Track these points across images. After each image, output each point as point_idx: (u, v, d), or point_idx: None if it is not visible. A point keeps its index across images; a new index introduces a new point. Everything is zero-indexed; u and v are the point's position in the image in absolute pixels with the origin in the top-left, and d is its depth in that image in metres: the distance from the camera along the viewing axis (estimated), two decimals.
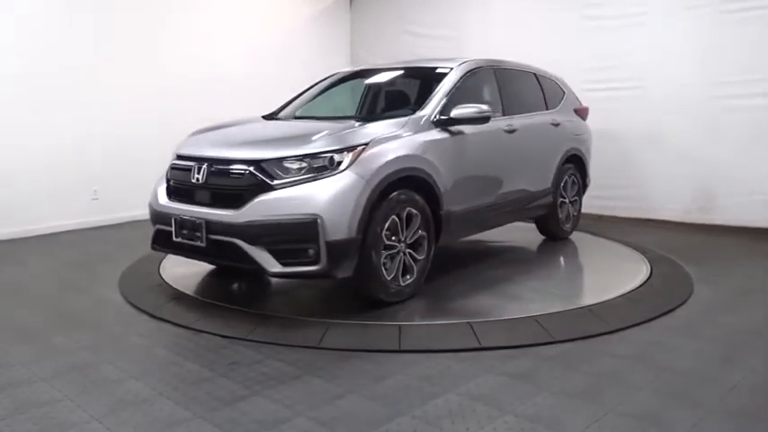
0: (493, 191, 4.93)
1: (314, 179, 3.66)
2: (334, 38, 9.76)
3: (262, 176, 3.70)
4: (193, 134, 4.64)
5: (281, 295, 4.36)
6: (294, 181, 3.67)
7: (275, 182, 3.67)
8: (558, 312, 3.89)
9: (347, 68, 5.91)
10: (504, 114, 5.09)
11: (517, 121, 5.17)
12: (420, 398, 2.79)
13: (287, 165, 3.72)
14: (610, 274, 5.01)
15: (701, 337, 3.55)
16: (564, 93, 6.11)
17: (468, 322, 3.67)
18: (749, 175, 6.48)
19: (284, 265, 3.65)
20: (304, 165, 3.71)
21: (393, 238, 3.96)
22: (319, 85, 5.62)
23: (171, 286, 4.57)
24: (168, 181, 4.30)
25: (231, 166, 3.84)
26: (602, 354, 3.30)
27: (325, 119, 4.62)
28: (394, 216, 3.92)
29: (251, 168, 3.74)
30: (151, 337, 3.64)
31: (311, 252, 3.61)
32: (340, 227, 3.60)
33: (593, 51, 7.29)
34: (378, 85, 5.66)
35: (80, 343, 3.51)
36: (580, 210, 6.28)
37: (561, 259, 5.55)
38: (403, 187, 3.99)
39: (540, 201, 5.55)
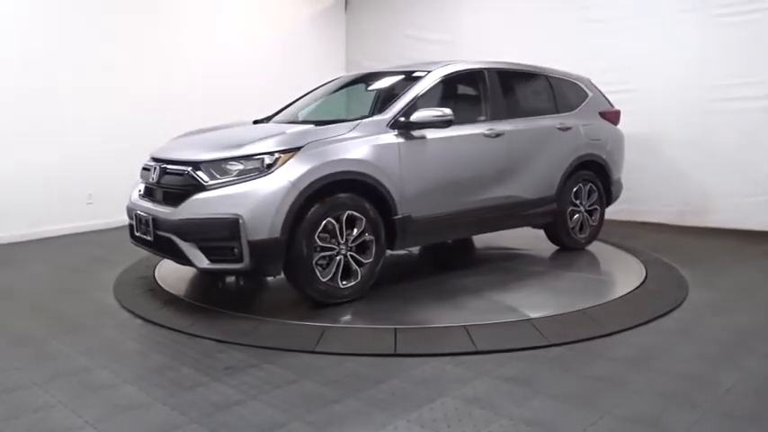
0: (469, 197, 4.76)
1: (243, 181, 3.80)
2: (329, 42, 9.76)
3: (198, 177, 3.89)
4: (173, 138, 4.81)
5: (277, 299, 4.36)
6: (225, 182, 3.83)
7: (209, 182, 3.85)
8: (553, 316, 3.89)
9: (350, 73, 5.92)
10: (491, 118, 4.96)
11: (506, 125, 4.99)
12: (416, 402, 2.78)
13: (222, 167, 3.88)
14: (605, 278, 5.02)
15: (697, 340, 3.56)
16: (588, 95, 5.86)
17: (463, 326, 3.67)
18: (743, 178, 6.52)
19: (212, 261, 3.85)
20: (237, 167, 3.86)
21: (332, 240, 4.01)
22: (319, 90, 5.65)
23: (166, 290, 4.56)
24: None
25: (176, 168, 4.09)
26: (598, 357, 3.30)
27: (312, 122, 4.62)
28: (331, 219, 3.97)
29: (189, 169, 3.95)
30: (146, 342, 3.63)
31: (236, 250, 3.75)
32: (262, 227, 3.73)
33: (587, 54, 7.32)
34: (367, 90, 5.65)
35: (75, 348, 3.49)
36: (601, 219, 5.88)
37: (555, 266, 5.36)
38: (345, 190, 4.03)
39: (539, 208, 5.30)
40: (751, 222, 6.47)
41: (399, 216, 4.30)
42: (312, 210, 3.89)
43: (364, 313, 4.03)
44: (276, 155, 3.86)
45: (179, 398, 2.85)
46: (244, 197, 3.74)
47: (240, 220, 3.70)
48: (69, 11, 6.78)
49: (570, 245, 5.68)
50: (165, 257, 4.30)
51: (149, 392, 2.91)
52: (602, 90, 6.46)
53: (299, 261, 3.88)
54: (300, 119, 5.23)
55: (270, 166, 3.83)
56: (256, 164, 3.84)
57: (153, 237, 4.08)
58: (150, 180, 4.29)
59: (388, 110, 4.41)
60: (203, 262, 3.85)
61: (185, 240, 3.86)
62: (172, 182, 4.11)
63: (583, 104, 5.78)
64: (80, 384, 3.01)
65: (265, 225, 3.73)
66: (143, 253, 4.95)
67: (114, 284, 4.77)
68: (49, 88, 6.65)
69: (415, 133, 4.40)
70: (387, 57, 8.96)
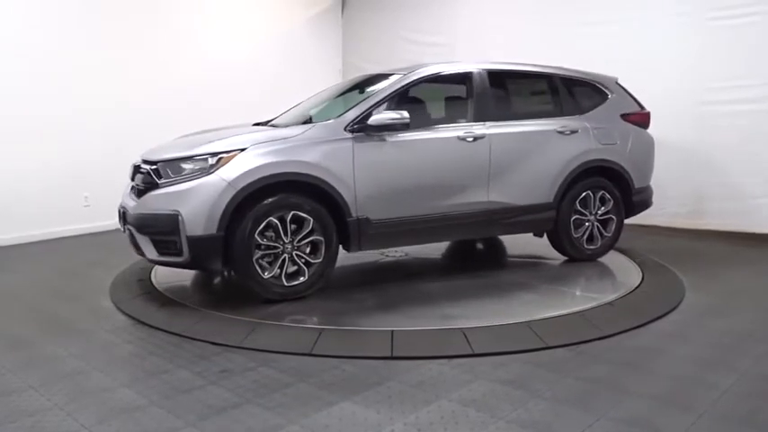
0: (440, 201, 4.65)
1: (188, 180, 4.05)
2: (326, 45, 9.76)
3: (154, 176, 4.19)
4: (174, 140, 4.97)
5: (273, 302, 4.35)
6: (174, 181, 4.10)
7: (161, 181, 4.15)
8: (550, 318, 3.89)
9: (362, 74, 5.88)
10: (473, 121, 4.83)
11: (490, 128, 4.82)
12: (413, 404, 2.78)
13: (177, 166, 4.15)
14: (602, 280, 5.02)
15: (693, 342, 3.56)
16: (608, 96, 5.51)
17: (460, 329, 3.67)
18: (739, 181, 6.53)
19: (159, 254, 4.17)
20: (189, 166, 4.11)
21: (278, 240, 4.15)
22: (327, 91, 5.67)
23: (162, 293, 4.56)
24: None
25: (145, 167, 4.35)
26: (594, 359, 3.30)
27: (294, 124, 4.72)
28: (273, 218, 4.10)
29: (149, 168, 4.26)
30: (142, 345, 3.62)
31: (177, 244, 4.02)
32: (198, 223, 3.96)
33: (586, 56, 7.32)
34: (363, 92, 5.64)
35: (70, 351, 3.49)
36: (617, 229, 5.42)
37: (549, 270, 5.24)
38: (293, 191, 4.17)
39: (532, 215, 5.04)
40: (748, 225, 6.48)
41: (354, 218, 4.33)
42: (254, 208, 4.04)
43: (360, 316, 4.03)
44: (219, 156, 4.07)
45: (175, 401, 2.84)
46: (184, 195, 4.00)
47: (179, 217, 3.95)
48: (68, 14, 6.78)
49: (576, 255, 5.31)
50: (133, 248, 4.51)
51: (145, 395, 2.90)
52: None
53: (238, 257, 4.06)
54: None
55: (212, 166, 4.04)
56: (203, 164, 4.07)
57: (124, 229, 4.45)
58: (131, 177, 4.60)
59: (347, 113, 4.46)
60: (153, 254, 4.18)
61: (140, 233, 4.19)
62: (140, 180, 4.38)
63: (599, 106, 5.45)
64: (76, 387, 3.00)
65: (201, 221, 3.95)
66: (138, 256, 4.97)
67: (110, 287, 4.77)
68: (47, 91, 6.64)
69: (376, 136, 4.42)
70: (384, 59, 8.96)
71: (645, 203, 5.71)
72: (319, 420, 2.64)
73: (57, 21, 6.71)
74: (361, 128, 4.37)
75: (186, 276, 4.93)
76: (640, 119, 5.64)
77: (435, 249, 5.94)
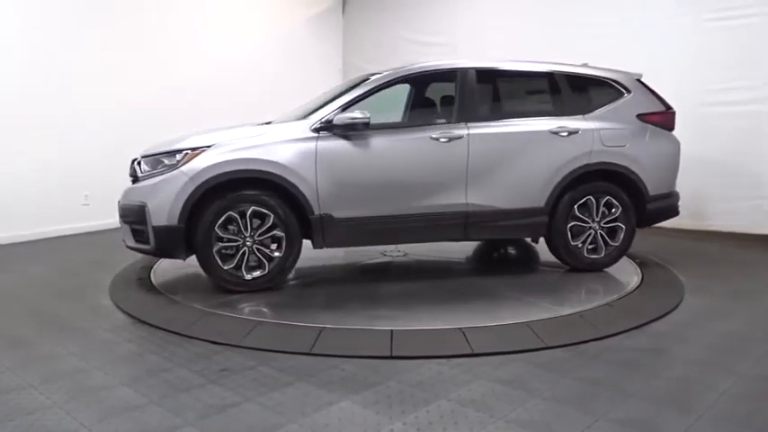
0: (410, 202, 4.57)
1: (159, 174, 4.34)
2: (326, 45, 9.78)
3: (137, 170, 4.52)
4: None
5: (273, 301, 4.36)
6: (149, 175, 4.41)
7: (140, 174, 4.47)
8: (549, 318, 3.90)
9: (359, 75, 5.89)
10: (455, 121, 4.68)
11: (471, 128, 4.65)
12: (412, 404, 2.78)
13: (156, 161, 4.44)
14: (601, 281, 5.02)
15: (692, 343, 3.57)
16: (623, 95, 5.11)
17: (459, 328, 3.67)
18: (739, 181, 6.54)
19: (135, 241, 4.51)
20: (162, 162, 4.40)
21: (239, 233, 4.36)
22: (325, 93, 5.66)
23: (162, 292, 4.56)
24: None
25: (136, 161, 4.63)
26: (593, 360, 3.30)
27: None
28: (233, 213, 4.31)
29: (136, 163, 4.58)
30: (142, 344, 3.62)
31: (145, 233, 4.35)
32: (161, 215, 4.25)
33: (583, 56, 7.29)
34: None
35: (70, 349, 3.48)
36: (626, 239, 5.00)
37: (546, 272, 5.20)
38: (256, 187, 4.34)
39: (520, 220, 4.79)
40: (749, 226, 6.49)
41: (316, 216, 4.42)
42: (214, 203, 4.28)
43: (361, 314, 4.03)
44: (184, 152, 4.32)
45: (174, 399, 2.84)
46: (151, 188, 4.32)
47: (146, 208, 4.27)
48: (68, 14, 6.78)
49: (574, 264, 4.99)
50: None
51: (144, 394, 2.90)
52: None
53: (199, 248, 4.32)
54: None
55: (179, 161, 4.31)
56: (172, 160, 4.34)
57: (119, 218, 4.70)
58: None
59: (315, 112, 4.54)
60: (131, 241, 4.53)
61: (123, 222, 4.55)
62: (131, 173, 4.66)
63: (610, 105, 5.04)
64: (75, 386, 3.00)
65: (164, 213, 4.24)
66: (138, 255, 5.05)
67: (110, 286, 4.77)
68: (47, 91, 6.64)
69: (341, 136, 4.45)
70: (385, 59, 8.96)
71: (666, 211, 5.24)
72: (319, 420, 2.65)
73: (57, 21, 6.71)
74: (326, 127, 4.43)
75: (186, 275, 4.93)
76: (661, 119, 5.15)
77: (455, 251, 5.82)
